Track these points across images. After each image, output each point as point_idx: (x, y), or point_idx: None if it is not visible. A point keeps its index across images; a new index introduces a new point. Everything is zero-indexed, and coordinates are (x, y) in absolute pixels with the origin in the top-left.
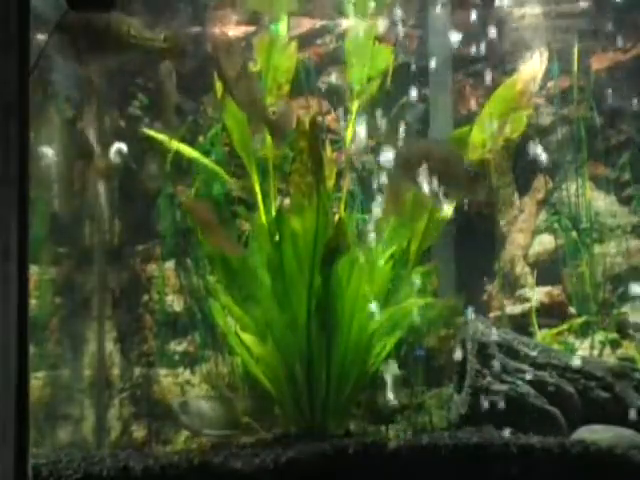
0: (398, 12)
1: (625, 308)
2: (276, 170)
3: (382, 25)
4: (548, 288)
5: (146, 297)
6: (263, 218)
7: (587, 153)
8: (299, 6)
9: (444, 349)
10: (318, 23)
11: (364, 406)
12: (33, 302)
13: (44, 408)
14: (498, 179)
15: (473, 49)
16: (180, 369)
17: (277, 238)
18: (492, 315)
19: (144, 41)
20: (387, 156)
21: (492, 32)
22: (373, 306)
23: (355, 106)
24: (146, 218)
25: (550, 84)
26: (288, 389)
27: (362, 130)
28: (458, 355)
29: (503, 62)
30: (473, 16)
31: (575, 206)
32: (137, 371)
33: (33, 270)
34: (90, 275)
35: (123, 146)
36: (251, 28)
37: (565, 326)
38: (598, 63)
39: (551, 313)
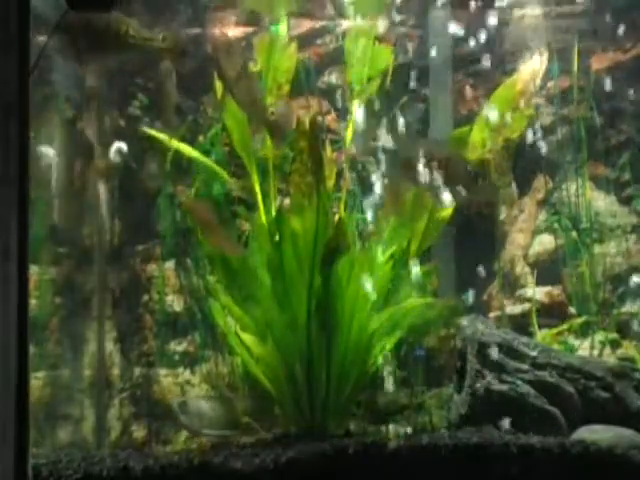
0: (398, 13)
1: (625, 308)
2: (276, 170)
3: (382, 25)
4: (548, 288)
5: (146, 297)
6: (263, 218)
7: (587, 153)
8: (299, 6)
9: (444, 349)
10: (318, 23)
11: (364, 406)
12: (33, 302)
13: (44, 408)
14: (498, 179)
15: (473, 49)
16: (180, 369)
17: (277, 238)
18: (492, 315)
19: (143, 41)
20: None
21: (492, 32)
22: (367, 285)
23: (355, 106)
24: (146, 218)
25: (550, 84)
26: (288, 389)
27: (362, 129)
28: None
29: (503, 62)
30: (473, 16)
31: (575, 206)
32: (137, 371)
33: (33, 270)
34: (90, 275)
35: (123, 146)
36: (251, 28)
37: (565, 326)
38: (598, 63)
39: (551, 313)
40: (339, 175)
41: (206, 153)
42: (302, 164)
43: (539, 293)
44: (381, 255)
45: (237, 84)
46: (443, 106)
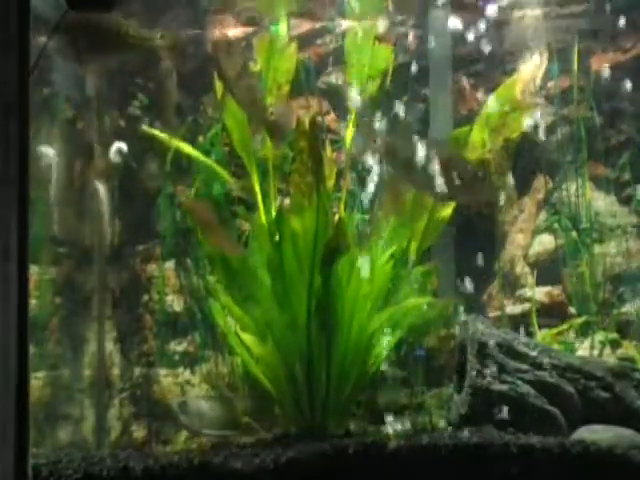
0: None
1: (625, 308)
2: (276, 170)
3: (382, 25)
4: (548, 288)
5: (146, 297)
6: (263, 218)
7: (587, 153)
8: (299, 6)
9: (444, 349)
10: (318, 23)
11: (364, 406)
12: (33, 302)
13: (44, 408)
14: (498, 179)
15: (473, 49)
16: (180, 369)
17: (277, 238)
18: (492, 315)
19: (142, 41)
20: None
21: (492, 32)
22: (365, 265)
23: (355, 106)
24: (146, 218)
25: (550, 84)
26: (288, 389)
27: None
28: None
29: (503, 62)
30: (473, 16)
31: (575, 206)
32: (137, 371)
33: (33, 270)
34: (90, 275)
35: (123, 145)
36: (251, 28)
37: (565, 326)
38: (598, 63)
39: (551, 313)
40: (339, 175)
41: (206, 153)
42: (302, 164)
43: (539, 293)
44: (381, 255)
45: (237, 84)
46: (443, 106)
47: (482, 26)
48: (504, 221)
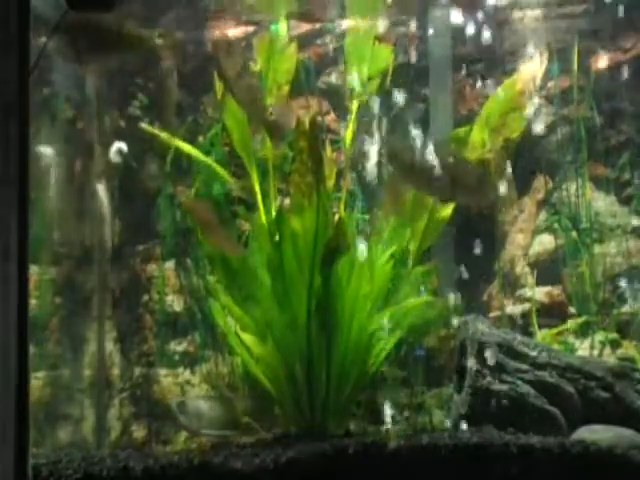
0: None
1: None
2: (276, 170)
3: (382, 25)
4: (548, 288)
5: (146, 297)
6: (263, 218)
7: (587, 153)
8: (299, 6)
9: (444, 349)
10: (318, 23)
11: (364, 406)
12: (33, 302)
13: (44, 408)
14: (498, 179)
15: (473, 49)
16: (180, 369)
17: (277, 238)
18: (492, 315)
19: (141, 40)
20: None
21: (492, 32)
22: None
23: (355, 106)
24: (146, 218)
25: (550, 84)
26: (288, 389)
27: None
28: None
29: (503, 62)
30: (473, 16)
31: (575, 206)
32: (137, 371)
33: (33, 270)
34: (90, 275)
35: (123, 145)
36: (251, 28)
37: (565, 326)
38: (598, 63)
39: (551, 313)
40: (339, 175)
41: (206, 153)
42: (302, 164)
43: (539, 293)
44: (381, 255)
45: (237, 84)
46: (443, 106)
47: (482, 26)
48: (504, 221)
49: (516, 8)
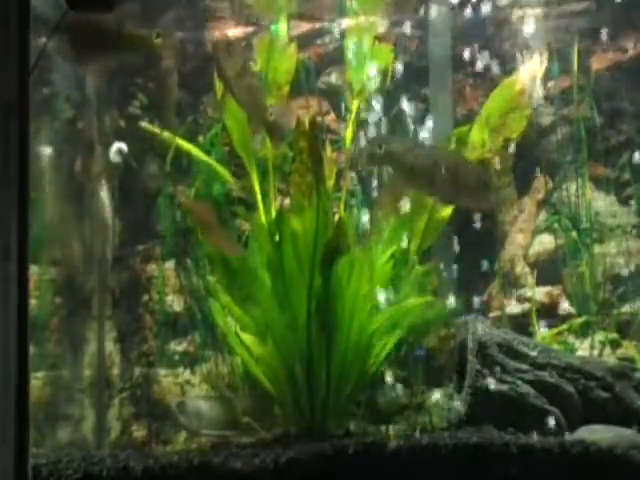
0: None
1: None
2: (276, 170)
3: (382, 25)
4: (548, 288)
5: (146, 297)
6: (263, 218)
7: (587, 153)
8: (299, 6)
9: (444, 349)
10: (318, 23)
11: (364, 406)
12: (33, 302)
13: (44, 408)
14: (498, 179)
15: (473, 49)
16: (180, 369)
17: (277, 238)
18: (492, 315)
19: (140, 40)
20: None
21: (492, 32)
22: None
23: (355, 106)
24: (146, 218)
25: (550, 84)
26: (288, 389)
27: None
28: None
29: (503, 62)
30: (473, 16)
31: (575, 206)
32: (137, 371)
33: (33, 270)
34: (90, 275)
35: (123, 145)
36: (251, 28)
37: (565, 326)
38: (598, 63)
39: (551, 313)
40: (339, 175)
41: (206, 153)
42: (302, 164)
43: (539, 293)
44: (381, 255)
45: (237, 84)
46: (443, 106)
47: (482, 26)
48: (504, 221)
49: (516, 7)
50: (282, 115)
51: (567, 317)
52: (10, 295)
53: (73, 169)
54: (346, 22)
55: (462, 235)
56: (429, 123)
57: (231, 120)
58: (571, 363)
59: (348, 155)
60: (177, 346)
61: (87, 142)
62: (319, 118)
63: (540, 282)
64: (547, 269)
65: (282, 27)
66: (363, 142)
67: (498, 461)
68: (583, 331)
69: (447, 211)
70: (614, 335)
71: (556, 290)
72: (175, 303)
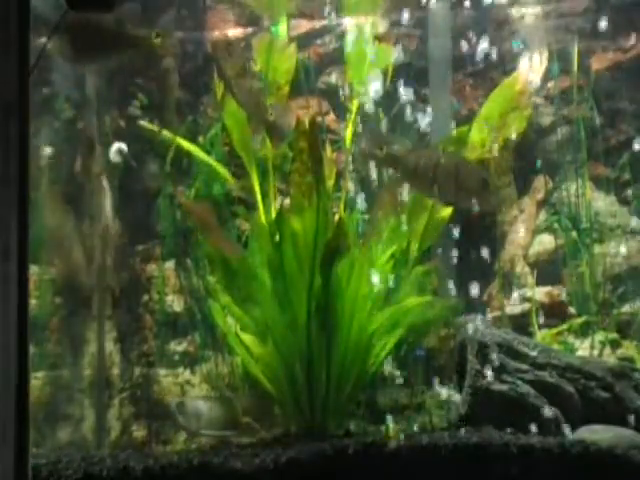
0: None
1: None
2: (276, 170)
3: (382, 25)
4: (548, 288)
5: (146, 297)
6: (263, 218)
7: (587, 153)
8: (299, 6)
9: (444, 349)
10: (318, 23)
11: (364, 406)
12: (33, 302)
13: (44, 408)
14: (498, 179)
15: (473, 49)
16: (180, 369)
17: (277, 238)
18: (492, 315)
19: (138, 40)
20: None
21: (492, 32)
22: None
23: (355, 106)
24: (146, 218)
25: (550, 84)
26: (288, 389)
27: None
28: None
29: (503, 62)
30: (473, 16)
31: (575, 206)
32: (137, 371)
33: (33, 270)
34: (90, 275)
35: (123, 145)
36: (251, 28)
37: (565, 326)
38: (598, 63)
39: (551, 313)
40: (339, 175)
41: (206, 153)
42: (302, 164)
43: (539, 293)
44: (381, 255)
45: (237, 84)
46: (443, 106)
47: (482, 26)
48: (504, 221)
49: (516, 6)
50: (282, 115)
51: (566, 316)
52: (10, 295)
53: (73, 169)
54: (346, 22)
55: (462, 235)
56: (429, 123)
57: (231, 120)
58: (571, 363)
59: (348, 155)
60: (177, 346)
61: (87, 142)
62: (319, 118)
63: (540, 282)
64: (547, 269)
65: (282, 27)
66: (363, 142)
67: (498, 461)
68: (583, 331)
69: (447, 211)
70: (614, 335)
71: (556, 290)
72: (175, 303)
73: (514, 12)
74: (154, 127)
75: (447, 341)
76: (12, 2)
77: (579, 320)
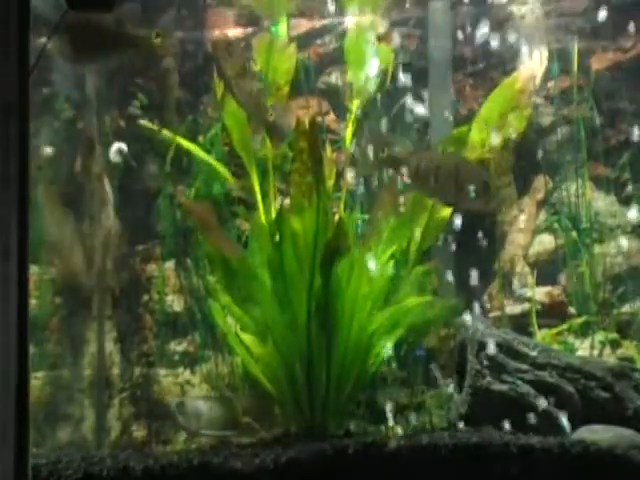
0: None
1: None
2: (276, 170)
3: (382, 25)
4: (548, 288)
5: (146, 297)
6: (263, 218)
7: (587, 153)
8: (299, 6)
9: (444, 349)
10: (318, 23)
11: (364, 406)
12: (33, 302)
13: (44, 408)
14: (498, 179)
15: (473, 49)
16: (180, 369)
17: (277, 238)
18: (492, 315)
19: (138, 40)
20: None
21: (492, 32)
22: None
23: (355, 106)
24: (146, 218)
25: (550, 84)
26: (288, 389)
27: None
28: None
29: (503, 62)
30: (473, 16)
31: (575, 206)
32: (137, 371)
33: (33, 270)
34: (90, 275)
35: (123, 145)
36: (251, 28)
37: (565, 326)
38: (598, 63)
39: (551, 313)
40: (339, 175)
41: (206, 153)
42: (302, 164)
43: (539, 293)
44: (381, 255)
45: (237, 84)
46: (443, 106)
47: (482, 25)
48: (504, 221)
49: (516, 7)
50: (282, 115)
51: (566, 316)
52: (10, 295)
53: (73, 169)
54: (346, 21)
55: (462, 235)
56: (429, 123)
57: (231, 120)
58: (571, 363)
59: (348, 155)
60: (177, 346)
61: (87, 142)
62: (319, 118)
63: (540, 282)
64: (547, 269)
65: (282, 27)
66: (363, 143)
67: (498, 461)
68: (583, 331)
69: (447, 211)
70: (614, 335)
71: (556, 290)
72: (175, 303)
73: (514, 11)
74: (154, 127)
75: (447, 341)
76: (12, 2)
77: (579, 320)
